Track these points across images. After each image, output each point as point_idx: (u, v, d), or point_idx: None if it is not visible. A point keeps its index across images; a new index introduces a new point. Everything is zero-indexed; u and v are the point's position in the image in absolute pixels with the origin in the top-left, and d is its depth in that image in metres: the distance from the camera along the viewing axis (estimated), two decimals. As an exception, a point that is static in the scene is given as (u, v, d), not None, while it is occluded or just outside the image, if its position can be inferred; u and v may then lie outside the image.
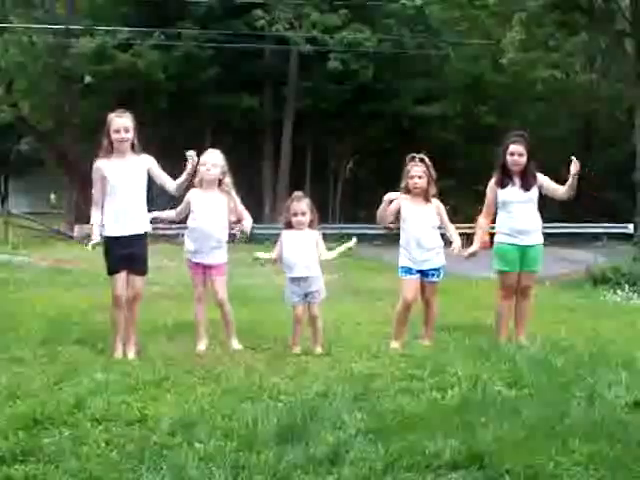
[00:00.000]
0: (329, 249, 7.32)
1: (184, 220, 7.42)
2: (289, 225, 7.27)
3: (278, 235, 7.47)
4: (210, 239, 7.19)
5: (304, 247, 7.20)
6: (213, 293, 7.31)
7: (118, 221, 6.78)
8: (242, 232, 7.40)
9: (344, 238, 8.06)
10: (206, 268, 7.26)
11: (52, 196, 42.94)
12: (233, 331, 7.35)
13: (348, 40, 30.46)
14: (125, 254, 6.77)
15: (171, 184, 6.99)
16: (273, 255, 7.39)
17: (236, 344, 7.26)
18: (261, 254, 7.51)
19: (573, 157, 7.45)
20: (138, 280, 6.92)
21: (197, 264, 7.26)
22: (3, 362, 6.30)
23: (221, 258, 7.29)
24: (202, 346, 7.19)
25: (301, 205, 7.25)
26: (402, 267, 7.54)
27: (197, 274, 7.30)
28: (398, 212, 7.51)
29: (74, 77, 31.00)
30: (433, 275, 7.53)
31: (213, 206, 7.22)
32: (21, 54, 31.27)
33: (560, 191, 7.78)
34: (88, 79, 29.52)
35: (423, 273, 7.51)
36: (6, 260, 16.47)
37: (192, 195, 7.30)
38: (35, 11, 32.20)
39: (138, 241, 6.87)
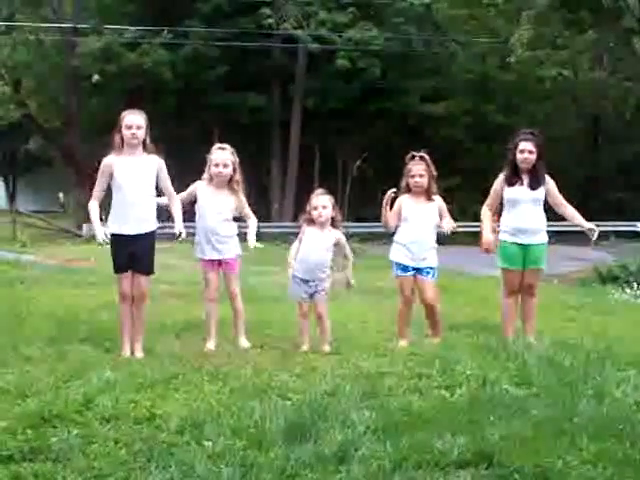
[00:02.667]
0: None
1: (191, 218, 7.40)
2: (310, 221, 7.25)
3: (285, 233, 7.46)
4: (216, 235, 7.16)
5: (321, 249, 7.17)
6: (225, 289, 7.30)
7: (124, 219, 6.73)
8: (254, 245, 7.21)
9: (352, 237, 8.04)
10: (219, 264, 7.23)
11: (60, 195, 42.95)
12: (243, 329, 7.35)
13: (356, 38, 30.41)
14: (130, 253, 6.74)
15: (170, 197, 6.93)
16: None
17: (245, 342, 7.27)
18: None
19: (591, 225, 7.93)
20: (143, 280, 6.88)
21: (209, 261, 7.23)
22: (12, 361, 6.30)
23: (233, 252, 7.26)
24: (211, 345, 7.17)
25: (323, 199, 7.23)
26: (397, 264, 7.53)
27: (210, 272, 7.25)
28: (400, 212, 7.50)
29: (81, 76, 31.04)
30: (428, 273, 7.51)
31: (219, 203, 7.18)
32: (28, 53, 31.34)
33: (561, 209, 7.84)
34: (96, 78, 29.53)
35: (418, 270, 7.50)
36: (14, 259, 16.47)
37: (199, 190, 7.23)
38: (43, 10, 32.19)
39: (143, 240, 6.80)
